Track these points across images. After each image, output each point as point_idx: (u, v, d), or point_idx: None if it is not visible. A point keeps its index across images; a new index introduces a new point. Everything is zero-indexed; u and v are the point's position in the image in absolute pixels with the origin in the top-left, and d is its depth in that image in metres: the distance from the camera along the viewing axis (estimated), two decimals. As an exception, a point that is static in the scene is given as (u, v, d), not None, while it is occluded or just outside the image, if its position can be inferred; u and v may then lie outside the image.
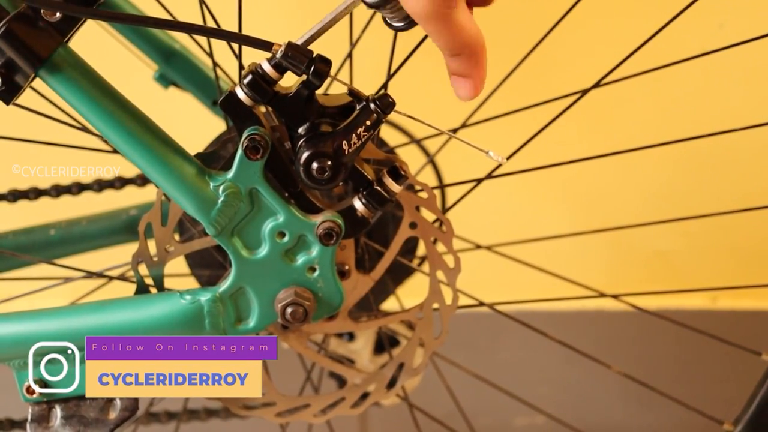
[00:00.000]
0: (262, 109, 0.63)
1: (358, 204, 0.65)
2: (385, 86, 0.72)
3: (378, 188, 0.64)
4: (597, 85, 0.77)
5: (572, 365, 1.31)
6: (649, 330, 1.32)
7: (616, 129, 1.25)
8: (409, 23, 0.58)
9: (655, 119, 1.24)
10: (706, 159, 1.26)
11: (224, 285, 0.67)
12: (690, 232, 1.30)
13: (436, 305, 0.73)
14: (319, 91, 0.62)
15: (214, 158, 0.72)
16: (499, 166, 0.64)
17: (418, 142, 0.91)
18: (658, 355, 1.35)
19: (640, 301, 0.91)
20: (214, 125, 0.87)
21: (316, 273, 0.67)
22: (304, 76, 0.60)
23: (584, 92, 0.77)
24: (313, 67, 0.59)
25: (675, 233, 1.31)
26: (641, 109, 1.23)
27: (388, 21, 0.59)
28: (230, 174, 0.64)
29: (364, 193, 0.65)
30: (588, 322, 1.33)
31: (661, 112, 1.24)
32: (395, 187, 0.64)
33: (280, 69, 0.60)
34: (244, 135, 0.63)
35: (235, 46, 0.73)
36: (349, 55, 0.83)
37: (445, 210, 0.91)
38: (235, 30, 0.65)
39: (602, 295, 0.89)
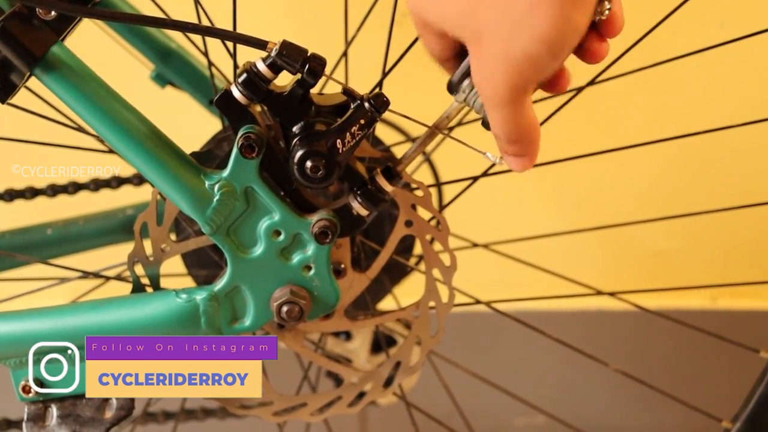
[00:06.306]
0: (258, 107, 0.63)
1: (353, 203, 0.65)
2: (379, 85, 0.72)
3: (372, 188, 0.64)
4: (593, 82, 0.77)
5: (572, 365, 1.31)
6: (649, 329, 1.32)
7: (613, 126, 1.25)
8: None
9: (654, 116, 1.24)
10: (705, 157, 1.26)
11: (220, 284, 0.67)
12: (689, 230, 1.30)
13: (432, 304, 0.72)
14: (314, 90, 0.62)
15: (209, 157, 0.72)
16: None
17: (413, 141, 0.91)
18: (657, 354, 1.35)
19: (639, 300, 0.91)
20: (211, 124, 0.87)
21: (312, 272, 0.67)
22: (299, 75, 0.60)
23: (580, 89, 0.77)
24: (307, 66, 0.59)
25: (674, 231, 1.31)
26: (639, 107, 1.23)
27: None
28: (226, 172, 0.64)
29: (359, 192, 0.65)
30: (587, 321, 1.32)
31: (659, 110, 1.24)
32: (388, 187, 0.64)
33: (275, 68, 0.60)
34: (240, 133, 0.63)
35: (230, 44, 0.73)
36: (344, 54, 0.82)
37: (441, 208, 0.90)
38: (230, 29, 0.65)
39: (600, 293, 0.89)
